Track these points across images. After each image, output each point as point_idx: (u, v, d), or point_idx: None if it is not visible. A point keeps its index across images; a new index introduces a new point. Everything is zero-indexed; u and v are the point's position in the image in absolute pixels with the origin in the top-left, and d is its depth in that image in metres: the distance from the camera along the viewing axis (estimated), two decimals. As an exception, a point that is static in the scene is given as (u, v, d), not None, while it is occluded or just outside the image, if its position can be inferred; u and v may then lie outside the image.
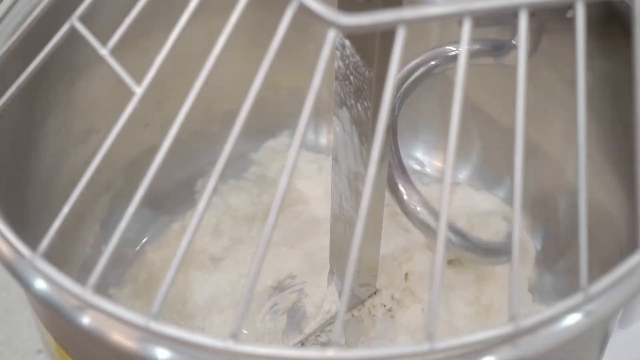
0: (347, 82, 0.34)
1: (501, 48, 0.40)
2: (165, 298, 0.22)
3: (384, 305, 0.46)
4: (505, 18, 0.36)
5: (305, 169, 0.53)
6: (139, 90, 0.24)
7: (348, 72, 0.33)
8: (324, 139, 0.55)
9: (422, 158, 0.54)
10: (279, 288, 0.48)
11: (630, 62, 0.24)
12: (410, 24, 0.21)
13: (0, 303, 0.53)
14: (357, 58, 0.32)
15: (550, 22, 0.38)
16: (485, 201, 0.51)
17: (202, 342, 0.22)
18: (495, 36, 0.40)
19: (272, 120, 0.53)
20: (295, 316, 0.46)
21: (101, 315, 0.23)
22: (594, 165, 0.38)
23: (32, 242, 0.26)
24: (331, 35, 0.21)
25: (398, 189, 0.40)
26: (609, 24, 0.37)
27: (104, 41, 0.25)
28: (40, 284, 0.25)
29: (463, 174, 0.52)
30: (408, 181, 0.40)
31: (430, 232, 0.40)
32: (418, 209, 0.39)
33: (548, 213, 0.49)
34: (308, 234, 0.50)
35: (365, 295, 0.46)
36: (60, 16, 0.26)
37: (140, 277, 0.48)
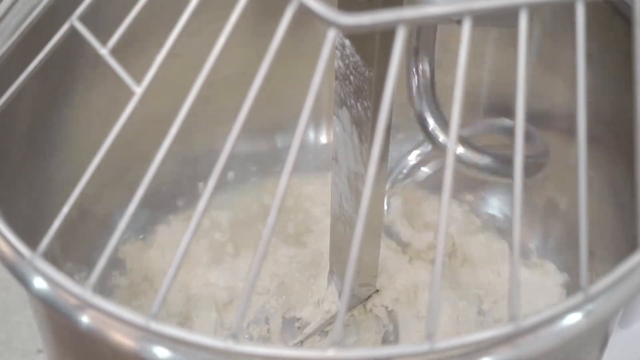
0: (347, 82, 0.34)
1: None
2: (165, 298, 0.22)
3: (385, 307, 0.46)
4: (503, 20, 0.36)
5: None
6: (139, 90, 0.24)
7: (348, 72, 0.33)
8: (324, 139, 0.55)
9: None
10: (279, 288, 0.48)
11: (631, 62, 0.24)
12: (410, 23, 0.21)
13: (0, 303, 0.53)
14: (357, 58, 0.32)
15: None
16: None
17: (202, 342, 0.22)
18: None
19: (272, 120, 0.53)
20: (295, 316, 0.46)
21: (101, 315, 0.23)
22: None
23: (32, 242, 0.26)
24: (331, 35, 0.21)
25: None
26: (609, 24, 0.38)
27: (104, 41, 0.25)
28: (40, 284, 0.25)
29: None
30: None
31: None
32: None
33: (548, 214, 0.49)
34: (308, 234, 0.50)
35: (365, 295, 0.46)
36: (60, 16, 0.26)
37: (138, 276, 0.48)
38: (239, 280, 0.48)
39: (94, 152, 0.24)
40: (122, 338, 0.23)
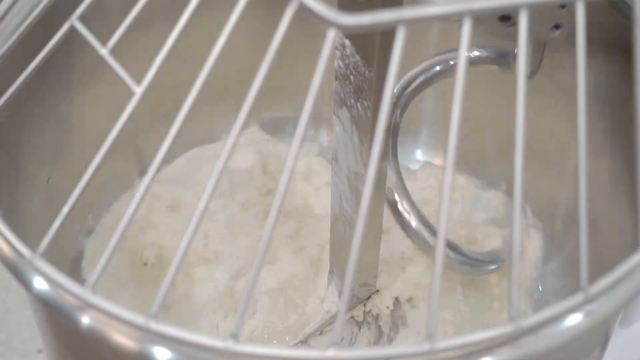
0: (347, 82, 0.34)
1: (505, 56, 0.40)
2: (165, 298, 0.22)
3: (386, 307, 0.46)
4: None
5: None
6: (138, 90, 0.24)
7: (348, 72, 0.33)
8: (324, 139, 0.55)
9: (421, 158, 0.54)
10: (279, 288, 0.48)
11: (630, 62, 0.24)
12: (411, 23, 0.21)
13: (0, 303, 0.53)
14: (357, 58, 0.32)
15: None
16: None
17: (202, 342, 0.22)
18: (500, 44, 0.40)
19: (272, 119, 0.53)
20: (295, 316, 0.46)
21: (101, 315, 0.23)
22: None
23: (32, 242, 0.26)
24: (331, 35, 0.21)
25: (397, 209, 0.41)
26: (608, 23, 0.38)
27: (104, 41, 0.25)
28: (40, 284, 0.25)
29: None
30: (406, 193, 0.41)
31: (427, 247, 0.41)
32: (413, 224, 0.41)
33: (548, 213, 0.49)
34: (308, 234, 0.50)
35: (365, 295, 0.46)
36: (60, 16, 0.26)
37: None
38: (239, 280, 0.48)
39: (94, 152, 0.24)
40: (122, 338, 0.23)
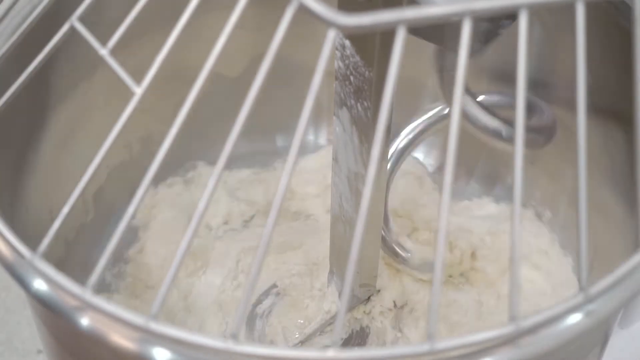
0: (347, 82, 0.34)
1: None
2: (165, 298, 0.22)
3: (386, 307, 0.46)
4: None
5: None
6: (138, 90, 0.24)
7: (348, 72, 0.33)
8: (324, 139, 0.55)
9: (421, 158, 0.54)
10: (279, 288, 0.48)
11: (630, 62, 0.24)
12: (411, 24, 0.21)
13: (0, 303, 0.53)
14: (357, 58, 0.32)
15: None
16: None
17: (202, 342, 0.22)
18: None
19: (272, 120, 0.53)
20: (295, 316, 0.46)
21: (101, 315, 0.23)
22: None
23: (32, 242, 0.26)
24: (331, 35, 0.21)
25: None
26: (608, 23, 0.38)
27: (104, 41, 0.25)
28: (39, 284, 0.25)
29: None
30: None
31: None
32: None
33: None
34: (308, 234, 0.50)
35: (365, 295, 0.46)
36: (60, 16, 0.26)
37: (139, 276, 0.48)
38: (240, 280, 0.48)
39: (94, 152, 0.24)
40: (121, 339, 0.23)
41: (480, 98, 0.38)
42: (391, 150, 0.42)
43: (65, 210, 0.24)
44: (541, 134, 0.37)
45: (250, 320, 0.46)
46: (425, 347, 0.21)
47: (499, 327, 0.22)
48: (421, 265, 0.47)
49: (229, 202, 0.52)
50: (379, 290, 0.46)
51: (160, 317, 0.22)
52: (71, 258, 0.45)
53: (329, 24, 0.21)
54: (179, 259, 0.22)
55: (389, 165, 0.42)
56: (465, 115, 0.35)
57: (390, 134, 0.40)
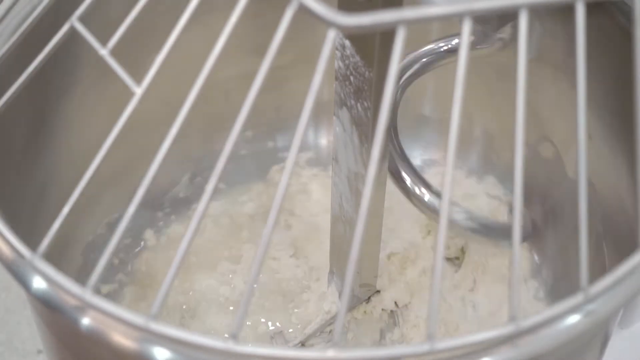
0: (347, 82, 0.34)
1: (486, 40, 0.39)
2: (165, 298, 0.22)
3: (386, 308, 0.46)
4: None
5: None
6: (139, 91, 0.24)
7: (348, 72, 0.33)
8: (324, 139, 0.55)
9: (421, 159, 0.54)
10: (279, 288, 0.48)
11: (630, 61, 0.24)
12: (411, 24, 0.21)
13: (0, 303, 0.53)
14: (357, 58, 0.32)
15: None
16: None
17: (202, 342, 0.22)
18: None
19: (272, 120, 0.53)
20: (295, 317, 0.46)
21: (101, 315, 0.23)
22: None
23: (32, 242, 0.26)
24: (331, 35, 0.21)
25: (401, 176, 0.39)
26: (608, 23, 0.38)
27: (104, 41, 0.25)
28: (40, 284, 0.25)
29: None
30: (410, 167, 0.39)
31: (436, 214, 0.39)
32: (423, 191, 0.39)
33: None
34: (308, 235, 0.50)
35: (365, 295, 0.46)
36: (60, 16, 0.26)
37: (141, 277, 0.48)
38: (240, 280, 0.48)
39: (94, 153, 0.24)
40: (122, 339, 0.23)
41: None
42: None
43: (66, 210, 0.24)
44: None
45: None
46: (425, 347, 0.21)
47: (498, 327, 0.22)
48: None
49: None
50: (379, 291, 0.46)
51: (160, 317, 0.22)
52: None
53: (329, 24, 0.21)
54: (179, 259, 0.22)
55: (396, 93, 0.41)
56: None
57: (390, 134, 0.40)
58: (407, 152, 0.48)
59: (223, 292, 0.47)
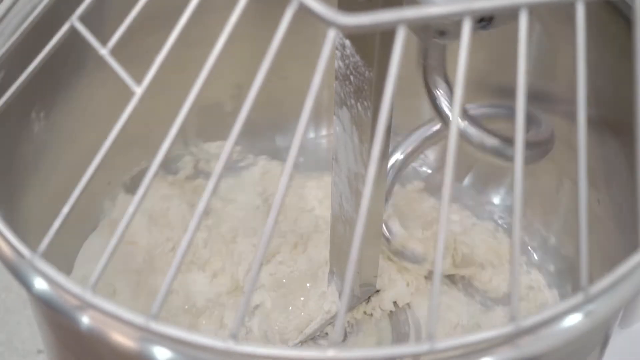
0: (347, 82, 0.34)
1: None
2: (166, 298, 0.22)
3: (386, 308, 0.46)
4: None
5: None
6: (138, 90, 0.24)
7: (348, 72, 0.33)
8: (324, 139, 0.55)
9: (421, 157, 0.54)
10: (279, 288, 0.48)
11: (630, 61, 0.24)
12: (411, 23, 0.21)
13: (0, 303, 0.53)
14: (357, 58, 0.32)
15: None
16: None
17: (202, 342, 0.22)
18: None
19: (272, 120, 0.53)
20: (295, 316, 0.46)
21: (101, 315, 0.23)
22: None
23: (32, 242, 0.26)
24: (331, 35, 0.21)
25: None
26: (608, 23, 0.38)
27: (104, 41, 0.25)
28: (40, 284, 0.25)
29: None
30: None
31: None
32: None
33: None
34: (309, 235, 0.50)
35: (365, 295, 0.46)
36: (60, 16, 0.26)
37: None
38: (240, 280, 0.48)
39: (94, 153, 0.24)
40: (122, 338, 0.23)
41: (473, 108, 0.39)
42: (390, 163, 0.42)
43: (66, 210, 0.24)
44: (538, 148, 0.37)
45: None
46: (425, 347, 0.21)
47: (498, 327, 0.22)
48: (400, 252, 0.46)
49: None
50: (378, 291, 0.46)
51: (160, 316, 0.22)
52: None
53: (329, 24, 0.21)
54: (179, 259, 0.22)
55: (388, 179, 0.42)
56: (460, 135, 0.35)
57: (391, 134, 0.40)
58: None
59: (223, 293, 0.47)
